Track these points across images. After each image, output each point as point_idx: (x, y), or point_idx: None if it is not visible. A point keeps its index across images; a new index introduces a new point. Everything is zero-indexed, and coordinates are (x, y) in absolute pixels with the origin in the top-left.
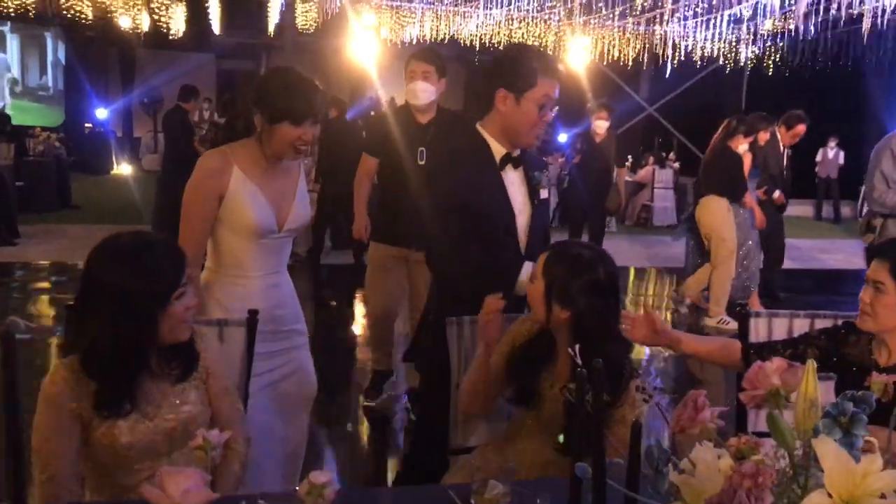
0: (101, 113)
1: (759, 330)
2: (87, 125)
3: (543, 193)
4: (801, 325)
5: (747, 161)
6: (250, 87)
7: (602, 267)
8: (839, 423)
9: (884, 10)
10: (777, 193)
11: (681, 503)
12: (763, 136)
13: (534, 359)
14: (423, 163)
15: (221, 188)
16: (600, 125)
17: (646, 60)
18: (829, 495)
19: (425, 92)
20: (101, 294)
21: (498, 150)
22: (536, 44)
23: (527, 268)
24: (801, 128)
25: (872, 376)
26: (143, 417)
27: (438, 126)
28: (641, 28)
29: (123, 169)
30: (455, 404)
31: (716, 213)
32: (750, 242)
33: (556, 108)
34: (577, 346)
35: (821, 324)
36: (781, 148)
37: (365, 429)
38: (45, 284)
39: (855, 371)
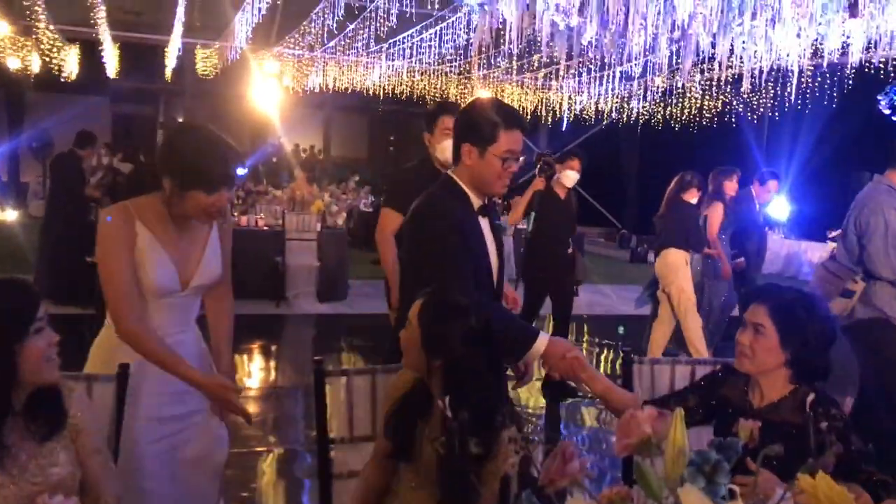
0: None
1: (642, 376)
2: None
3: (506, 242)
4: (682, 372)
5: (718, 213)
6: (159, 149)
7: (476, 315)
8: (703, 472)
9: (761, 71)
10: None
11: None
12: (730, 186)
13: (410, 412)
14: None
15: (131, 244)
16: (569, 177)
17: (543, 114)
18: None
19: None
20: None
21: (474, 199)
22: (438, 96)
23: (542, 339)
24: (773, 183)
25: (739, 423)
26: (7, 480)
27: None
28: (539, 82)
29: (8, 215)
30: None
31: (674, 264)
32: (707, 291)
33: (522, 158)
34: (446, 399)
35: (701, 370)
36: (756, 205)
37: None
38: None
39: (730, 412)
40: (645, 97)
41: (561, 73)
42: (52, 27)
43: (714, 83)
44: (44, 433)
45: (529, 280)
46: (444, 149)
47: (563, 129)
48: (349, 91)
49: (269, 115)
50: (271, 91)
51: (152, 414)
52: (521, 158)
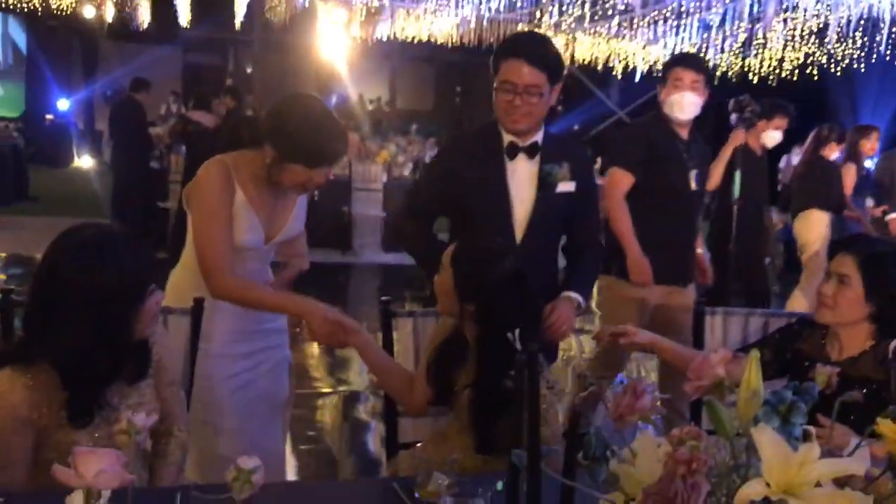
0: (63, 104)
1: (714, 328)
2: (47, 116)
3: (562, 187)
4: (755, 324)
5: (851, 176)
6: (267, 114)
7: (508, 260)
8: (778, 412)
9: (848, 21)
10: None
11: (619, 493)
12: (867, 146)
13: (448, 358)
14: (696, 187)
15: (230, 202)
16: (772, 138)
17: (616, 65)
18: (767, 484)
19: (693, 105)
20: (70, 294)
21: (505, 137)
22: None
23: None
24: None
25: (817, 368)
26: (103, 422)
27: (695, 144)
28: (613, 31)
29: (84, 161)
30: None
31: (814, 227)
32: None
33: (531, 92)
34: (516, 331)
35: (775, 322)
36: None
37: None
38: (0, 276)
39: (807, 366)
40: (722, 48)
41: (635, 21)
42: None
43: (797, 33)
44: (134, 377)
45: (724, 255)
46: (672, 103)
47: (636, 81)
48: (416, 41)
49: (336, 65)
50: (338, 41)
51: (225, 351)
52: (542, 97)
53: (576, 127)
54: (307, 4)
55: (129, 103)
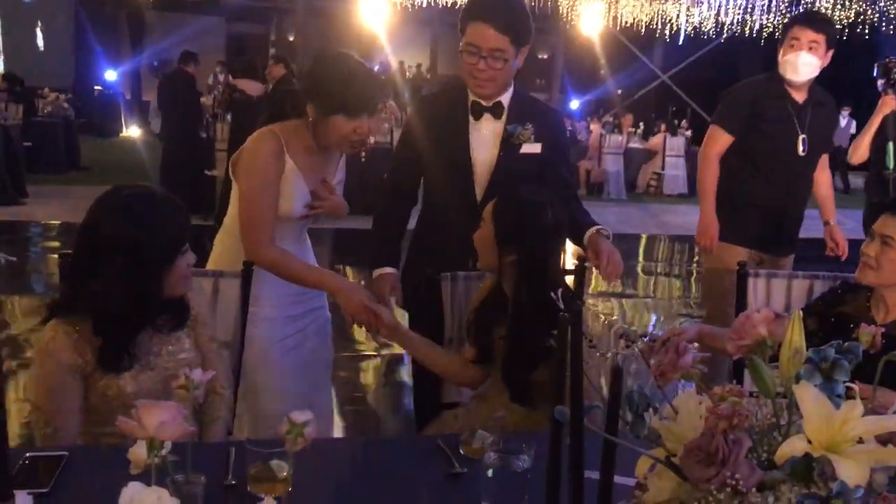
0: (111, 75)
1: (757, 290)
2: (96, 87)
3: (527, 148)
4: (799, 286)
5: None
6: (304, 74)
7: (550, 210)
8: (820, 370)
9: None
10: None
11: (661, 449)
12: None
13: (488, 316)
14: (803, 154)
15: (280, 172)
16: None
17: (659, 27)
18: (809, 441)
19: (808, 66)
20: (108, 250)
21: (471, 97)
22: (547, 8)
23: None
24: None
25: (861, 327)
26: (144, 367)
27: (813, 107)
28: None
29: (132, 131)
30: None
31: None
32: None
33: (495, 56)
34: (559, 291)
35: (820, 285)
36: None
37: (373, 385)
38: (53, 244)
39: (852, 328)
40: (769, 8)
41: None
42: None
43: None
44: (171, 326)
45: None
46: (786, 63)
47: (680, 43)
48: (457, 6)
49: (377, 32)
50: (379, 8)
51: (275, 314)
52: (507, 61)
53: (619, 91)
54: None
55: (179, 75)
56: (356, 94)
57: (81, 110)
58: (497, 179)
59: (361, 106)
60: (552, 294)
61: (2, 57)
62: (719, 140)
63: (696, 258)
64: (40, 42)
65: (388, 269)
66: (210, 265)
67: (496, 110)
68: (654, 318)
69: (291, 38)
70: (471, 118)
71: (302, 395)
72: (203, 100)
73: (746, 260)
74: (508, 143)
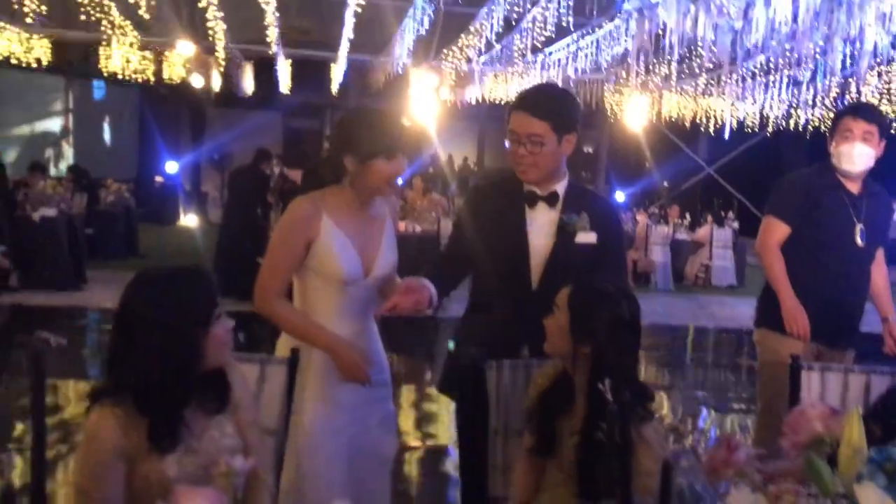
0: (171, 167)
1: (811, 385)
2: (157, 178)
3: (582, 237)
4: (856, 382)
5: None
6: (336, 132)
7: (626, 303)
8: (884, 470)
9: None
10: None
11: None
12: None
13: (552, 405)
14: (862, 245)
15: (310, 235)
16: None
17: (704, 122)
18: None
19: (864, 156)
20: (143, 328)
21: (526, 186)
22: (593, 104)
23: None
24: None
25: None
26: (188, 451)
27: (869, 197)
28: (700, 88)
29: (189, 220)
30: (493, 450)
31: None
32: None
33: (533, 141)
34: (606, 381)
35: (877, 381)
36: None
37: (416, 476)
38: (107, 328)
39: None
40: (814, 103)
41: (723, 78)
42: (231, 46)
43: (893, 87)
44: (214, 408)
45: None
46: (840, 154)
47: (726, 137)
48: (503, 102)
49: (427, 126)
50: (429, 103)
51: (327, 401)
52: (544, 146)
53: (665, 183)
54: (401, 70)
55: (252, 171)
56: (392, 136)
57: (143, 200)
58: (552, 267)
59: (397, 145)
60: (599, 385)
61: (72, 150)
62: (777, 229)
63: (745, 350)
64: (107, 136)
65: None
66: (277, 346)
67: (551, 199)
68: (704, 412)
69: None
70: (526, 207)
71: (352, 488)
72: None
73: (803, 353)
74: (564, 232)
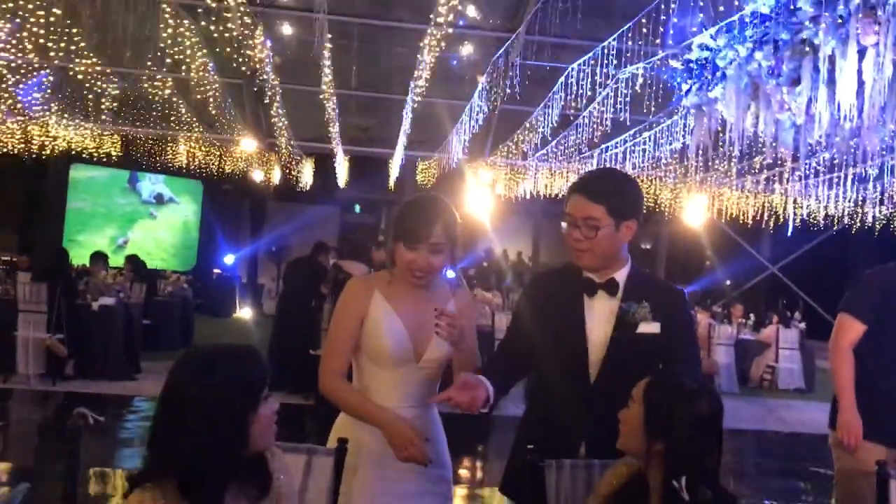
0: (229, 259)
1: None
2: (215, 271)
3: (644, 327)
4: None
5: None
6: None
7: (707, 399)
8: None
9: None
10: None
11: None
12: None
13: None
14: None
15: (362, 311)
16: None
17: (766, 218)
18: None
19: None
20: (190, 409)
21: (585, 274)
22: (652, 200)
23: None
24: None
25: None
26: None
27: None
28: (761, 186)
29: (245, 312)
30: None
31: None
32: None
33: (589, 225)
34: (682, 479)
35: None
36: None
37: None
38: None
39: None
40: (882, 200)
41: (785, 175)
42: (292, 143)
43: None
44: (256, 494)
45: None
46: None
47: (788, 234)
48: (559, 197)
49: (482, 221)
50: (484, 198)
51: (379, 490)
52: (600, 230)
53: (728, 282)
54: (455, 166)
55: (310, 262)
56: (412, 225)
57: (200, 291)
58: (612, 360)
59: (415, 237)
60: (674, 482)
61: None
62: (851, 329)
63: (817, 457)
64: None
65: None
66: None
67: (610, 287)
68: None
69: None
70: (585, 296)
71: None
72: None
73: (886, 460)
74: (624, 322)
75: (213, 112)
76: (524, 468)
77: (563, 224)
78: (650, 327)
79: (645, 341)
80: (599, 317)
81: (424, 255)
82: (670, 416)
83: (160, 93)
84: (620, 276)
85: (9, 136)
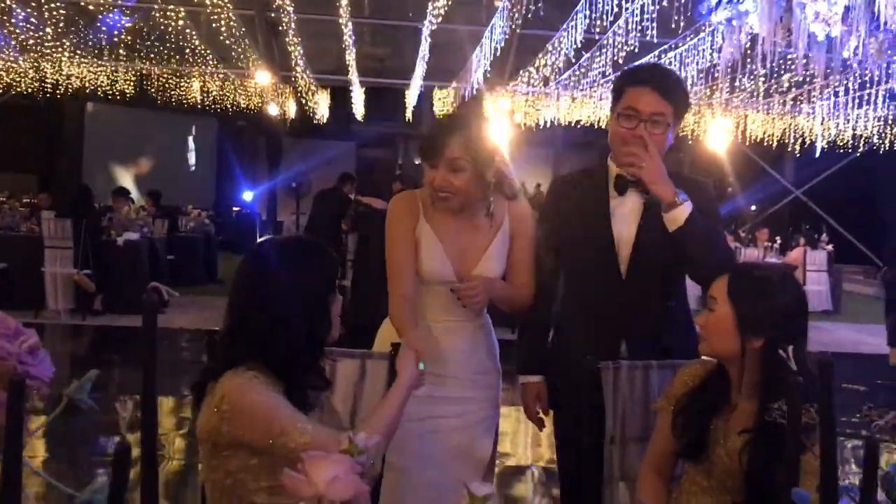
0: (248, 196)
1: None
2: (234, 208)
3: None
4: None
5: None
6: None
7: (792, 286)
8: None
9: None
10: None
11: None
12: None
13: (704, 407)
14: None
15: (413, 225)
16: None
17: (791, 141)
18: None
19: None
20: (278, 294)
21: (613, 172)
22: None
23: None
24: None
25: None
26: (319, 415)
27: None
28: (787, 107)
29: None
30: (609, 460)
31: None
32: None
33: (655, 121)
34: (789, 348)
35: None
36: None
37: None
38: (187, 347)
39: None
40: None
41: (814, 93)
42: (307, 73)
43: None
44: (322, 385)
45: None
46: None
47: (816, 156)
48: (578, 125)
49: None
50: (502, 129)
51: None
52: (666, 129)
53: (752, 207)
54: (473, 94)
55: (336, 195)
56: (427, 140)
57: (221, 228)
58: (642, 254)
59: (428, 153)
60: (781, 352)
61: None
62: None
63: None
64: (187, 166)
65: (535, 378)
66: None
67: (642, 184)
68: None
69: (417, 162)
70: (614, 193)
71: (440, 487)
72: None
73: None
74: (650, 215)
75: (227, 43)
76: (568, 369)
77: (621, 119)
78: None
79: (668, 235)
80: (629, 213)
81: (443, 173)
82: (766, 310)
83: (173, 24)
84: None
85: (22, 75)
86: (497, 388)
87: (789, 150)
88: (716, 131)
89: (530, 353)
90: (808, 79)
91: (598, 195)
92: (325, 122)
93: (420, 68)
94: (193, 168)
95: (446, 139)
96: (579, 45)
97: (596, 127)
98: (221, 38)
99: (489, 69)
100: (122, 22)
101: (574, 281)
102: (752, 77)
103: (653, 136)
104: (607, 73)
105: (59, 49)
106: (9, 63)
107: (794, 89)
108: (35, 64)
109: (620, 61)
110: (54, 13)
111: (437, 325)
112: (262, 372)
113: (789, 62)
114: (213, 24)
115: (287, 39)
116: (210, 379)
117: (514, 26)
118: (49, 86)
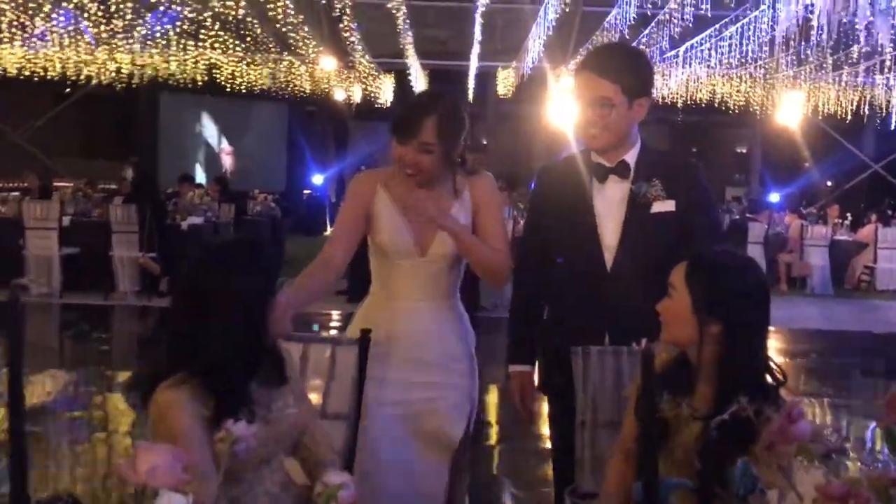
0: (318, 180)
1: None
2: (304, 191)
3: (658, 206)
4: None
5: None
6: None
7: (752, 272)
8: None
9: None
10: None
11: None
12: None
13: (668, 392)
14: None
15: (366, 205)
16: None
17: (866, 113)
18: None
19: None
20: (210, 303)
21: (596, 158)
22: (741, 101)
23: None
24: None
25: None
26: (262, 422)
27: None
28: (860, 78)
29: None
30: (581, 444)
31: None
32: None
33: (603, 104)
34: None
35: None
36: None
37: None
38: None
39: None
40: None
41: (887, 63)
42: (369, 58)
43: None
44: (279, 379)
45: None
46: None
47: (893, 128)
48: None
49: (565, 131)
50: (565, 108)
51: (387, 376)
52: (614, 109)
53: (829, 182)
54: (531, 73)
55: None
56: (399, 117)
57: (291, 212)
58: (628, 244)
59: (402, 134)
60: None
61: (227, 166)
62: None
63: None
64: (258, 152)
65: (521, 368)
66: (353, 321)
67: (622, 170)
68: (873, 424)
69: (484, 142)
70: (595, 182)
71: (407, 466)
72: None
73: None
74: (636, 204)
75: (289, 31)
76: (550, 360)
77: (577, 107)
78: (664, 205)
79: (661, 221)
80: (612, 201)
81: (412, 154)
82: (722, 295)
83: (233, 13)
84: (631, 157)
85: (99, 65)
86: (471, 375)
87: (867, 123)
88: (786, 105)
89: (517, 342)
90: (879, 49)
91: (579, 183)
92: (389, 105)
93: (476, 48)
94: (264, 153)
95: (420, 122)
96: (633, 21)
97: (662, 103)
98: (285, 27)
99: (542, 49)
100: (183, 12)
101: (560, 269)
102: (818, 49)
103: (604, 118)
104: (664, 49)
105: (130, 40)
106: (86, 55)
107: (862, 61)
108: (111, 55)
109: (677, 38)
110: (120, 6)
111: (403, 305)
112: (193, 384)
113: (856, 32)
114: (276, 13)
115: (344, 23)
116: (145, 389)
117: (564, 6)
118: (125, 76)
